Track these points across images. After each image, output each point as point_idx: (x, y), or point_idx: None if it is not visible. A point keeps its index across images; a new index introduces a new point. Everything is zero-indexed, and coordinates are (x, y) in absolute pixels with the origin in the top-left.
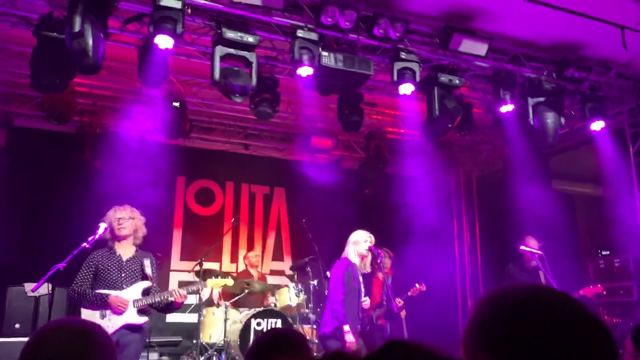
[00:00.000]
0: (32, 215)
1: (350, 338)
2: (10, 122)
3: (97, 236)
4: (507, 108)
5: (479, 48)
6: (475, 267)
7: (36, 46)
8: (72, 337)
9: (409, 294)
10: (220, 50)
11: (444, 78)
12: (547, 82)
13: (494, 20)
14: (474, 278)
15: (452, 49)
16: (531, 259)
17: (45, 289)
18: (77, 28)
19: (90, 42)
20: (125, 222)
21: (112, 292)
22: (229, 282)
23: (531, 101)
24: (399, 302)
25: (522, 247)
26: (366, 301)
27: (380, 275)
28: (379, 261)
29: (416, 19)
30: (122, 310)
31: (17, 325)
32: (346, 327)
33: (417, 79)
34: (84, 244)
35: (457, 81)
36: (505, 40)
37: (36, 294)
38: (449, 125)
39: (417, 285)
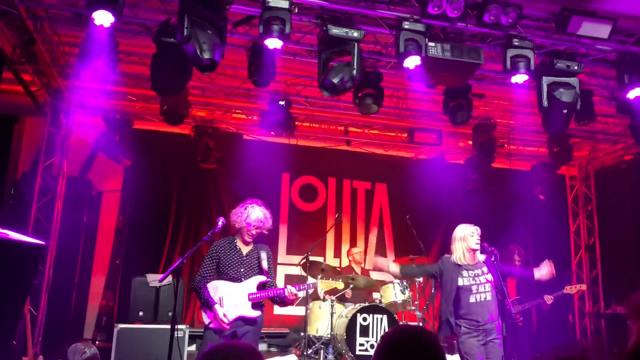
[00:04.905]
0: (151, 212)
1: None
2: (130, 125)
3: (216, 230)
4: (635, 93)
5: (601, 30)
6: (595, 268)
7: (155, 52)
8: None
9: (565, 291)
10: (325, 54)
11: (560, 64)
12: None
13: None
14: (593, 281)
15: (570, 32)
16: None
17: (168, 279)
18: (185, 33)
19: (202, 43)
20: (260, 232)
21: (228, 285)
22: (340, 285)
23: None
24: (549, 299)
25: None
26: None
27: None
28: (492, 259)
29: (529, 3)
30: (224, 325)
31: (140, 313)
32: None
33: (532, 66)
34: (205, 238)
35: (576, 67)
36: (629, 20)
37: (157, 284)
38: (569, 116)
39: (570, 286)
